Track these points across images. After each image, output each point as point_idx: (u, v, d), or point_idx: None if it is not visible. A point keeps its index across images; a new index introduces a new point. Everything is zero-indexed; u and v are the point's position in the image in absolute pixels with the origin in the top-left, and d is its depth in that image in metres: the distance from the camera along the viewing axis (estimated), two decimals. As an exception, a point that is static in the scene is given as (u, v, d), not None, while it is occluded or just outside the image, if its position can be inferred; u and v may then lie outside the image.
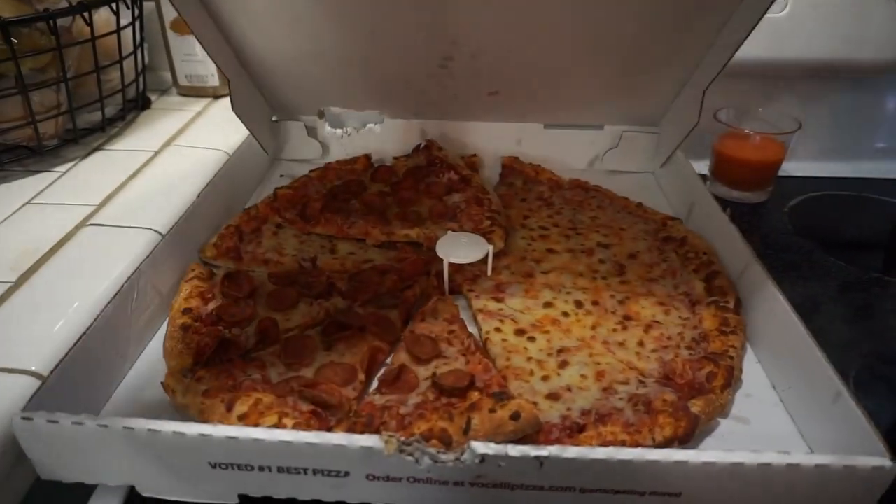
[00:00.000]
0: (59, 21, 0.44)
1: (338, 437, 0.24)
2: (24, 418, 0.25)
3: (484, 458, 0.24)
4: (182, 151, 0.51)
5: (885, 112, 0.59)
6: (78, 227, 0.40)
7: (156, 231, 0.39)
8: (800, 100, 0.57)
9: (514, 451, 0.24)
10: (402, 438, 0.24)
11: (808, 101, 0.57)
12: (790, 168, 0.58)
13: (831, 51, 0.52)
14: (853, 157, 0.59)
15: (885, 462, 0.24)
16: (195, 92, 0.63)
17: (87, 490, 0.27)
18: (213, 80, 0.62)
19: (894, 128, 0.59)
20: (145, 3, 0.57)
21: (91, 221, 0.40)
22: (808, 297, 0.42)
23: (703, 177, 0.55)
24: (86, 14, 0.46)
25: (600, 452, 0.24)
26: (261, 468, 0.25)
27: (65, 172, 0.47)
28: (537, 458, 0.24)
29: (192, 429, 0.25)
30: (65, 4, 0.45)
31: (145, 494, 0.27)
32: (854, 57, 0.52)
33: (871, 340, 0.38)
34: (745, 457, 0.24)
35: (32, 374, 0.28)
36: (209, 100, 0.62)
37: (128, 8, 0.52)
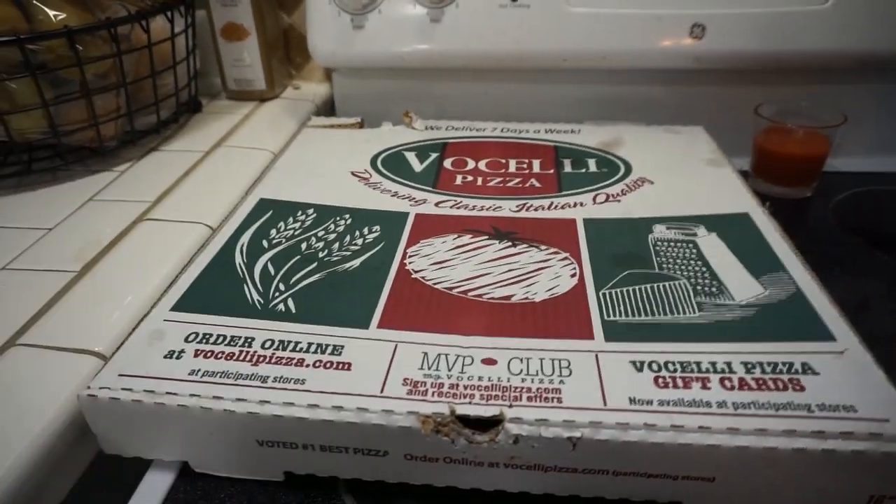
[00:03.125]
0: (119, 29, 0.47)
1: (377, 417, 0.25)
2: (89, 395, 0.27)
3: (517, 438, 0.25)
4: (231, 151, 0.54)
5: (938, 105, 0.57)
6: (136, 222, 0.42)
7: (206, 225, 0.41)
8: (845, 93, 0.56)
9: (548, 432, 0.25)
10: (439, 419, 0.25)
11: (854, 95, 0.56)
12: (836, 164, 0.57)
13: (877, 42, 0.51)
14: (904, 152, 0.57)
15: (926, 450, 0.23)
16: (243, 96, 0.65)
17: (144, 465, 0.29)
18: (261, 83, 0.65)
19: (948, 121, 0.57)
20: (197, 12, 0.59)
21: (148, 216, 0.43)
22: (855, 291, 0.41)
23: (745, 173, 0.54)
24: (143, 22, 0.49)
25: (633, 435, 0.24)
26: (304, 446, 0.27)
27: (123, 171, 0.50)
28: (570, 439, 0.24)
29: (242, 407, 0.26)
30: (124, 13, 0.48)
31: (198, 471, 0.29)
32: (902, 48, 0.51)
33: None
34: (779, 441, 0.24)
35: (96, 354, 0.31)
36: (256, 103, 0.65)
37: (181, 16, 0.55)
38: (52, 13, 0.44)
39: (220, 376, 0.28)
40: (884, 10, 0.50)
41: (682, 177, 0.45)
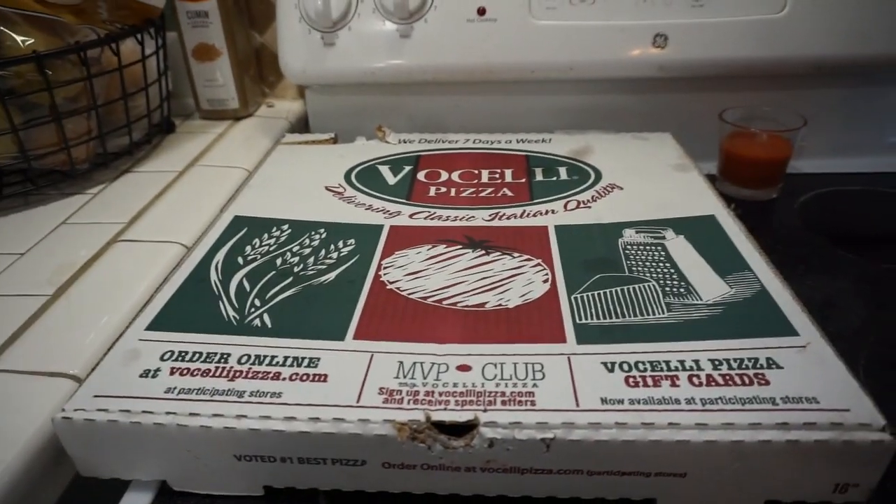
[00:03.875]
0: (89, 52, 0.47)
1: (353, 427, 0.26)
2: (63, 418, 0.27)
3: (492, 442, 0.25)
4: (205, 171, 0.54)
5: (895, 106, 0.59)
6: (109, 244, 0.42)
7: (181, 244, 0.41)
8: (806, 97, 0.58)
9: (522, 434, 0.25)
10: (414, 426, 0.25)
11: (814, 98, 0.58)
12: (801, 165, 0.59)
13: (831, 47, 0.52)
14: (864, 153, 0.59)
15: (885, 436, 0.24)
16: (217, 115, 0.66)
17: (122, 486, 0.29)
18: (234, 102, 0.65)
19: (905, 121, 0.59)
20: (168, 33, 0.60)
21: (122, 238, 0.43)
22: (820, 289, 0.42)
23: (713, 177, 0.56)
24: (113, 45, 0.49)
25: (605, 434, 0.25)
26: (282, 459, 0.27)
27: (96, 194, 0.50)
28: (543, 440, 0.25)
29: (219, 422, 0.26)
30: (94, 36, 0.49)
31: (176, 489, 0.29)
32: (856, 53, 0.53)
33: (882, 329, 0.39)
34: (745, 434, 0.25)
35: (71, 377, 0.31)
36: (230, 122, 0.65)
37: (152, 38, 0.55)
38: (19, 38, 0.44)
39: (197, 393, 0.28)
40: (836, 17, 0.52)
41: (650, 182, 0.47)
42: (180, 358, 0.30)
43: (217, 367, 0.29)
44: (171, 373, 0.29)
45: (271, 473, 0.28)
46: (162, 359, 0.30)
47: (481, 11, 0.54)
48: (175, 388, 0.28)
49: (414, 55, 0.55)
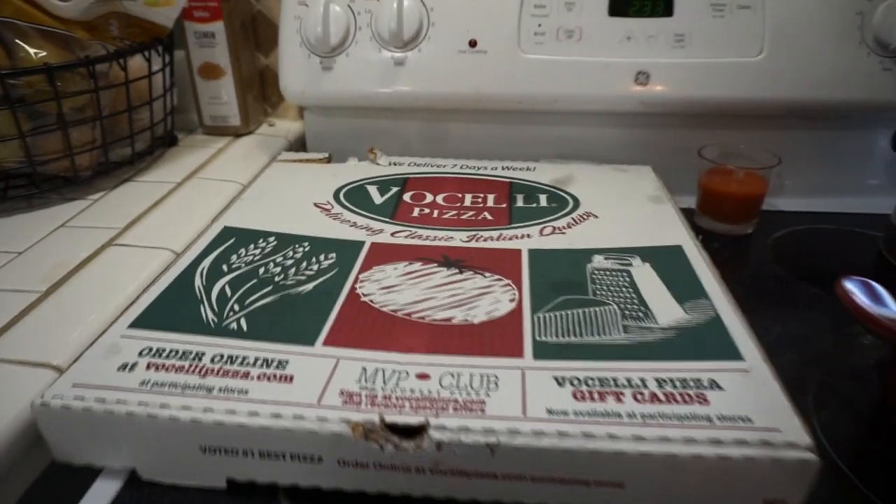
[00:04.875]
0: (98, 66, 0.50)
1: (311, 424, 0.27)
2: (42, 404, 0.29)
3: (440, 445, 0.27)
4: (203, 183, 0.56)
5: (871, 150, 0.61)
6: (104, 247, 0.44)
7: (171, 250, 0.43)
8: (782, 137, 0.60)
9: (468, 438, 0.27)
10: (368, 426, 0.27)
11: (790, 138, 0.60)
12: (778, 203, 0.60)
13: (807, 91, 0.55)
14: (840, 193, 0.61)
15: (811, 456, 0.26)
16: (218, 131, 0.68)
17: (93, 475, 0.31)
18: (236, 120, 0.68)
19: (880, 165, 0.61)
20: (177, 52, 0.63)
21: (116, 242, 0.45)
22: (780, 319, 0.44)
23: (691, 211, 0.57)
24: (121, 61, 0.52)
25: (546, 442, 0.26)
26: (245, 453, 0.28)
27: (96, 200, 0.52)
28: (488, 445, 0.26)
29: (186, 414, 0.28)
30: (103, 52, 0.51)
31: (144, 478, 0.30)
32: (830, 97, 0.55)
33: (836, 362, 0.40)
34: (679, 448, 0.26)
35: (54, 367, 0.32)
36: (231, 138, 0.68)
37: (159, 55, 0.58)
38: (32, 51, 0.47)
39: (169, 387, 0.29)
40: (811, 62, 0.54)
41: (624, 211, 0.48)
42: (157, 354, 0.32)
43: (191, 365, 0.31)
44: (148, 367, 0.31)
45: (234, 466, 0.29)
46: (140, 354, 0.32)
47: (472, 43, 0.56)
48: (149, 381, 0.30)
49: (407, 82, 0.58)
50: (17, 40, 0.47)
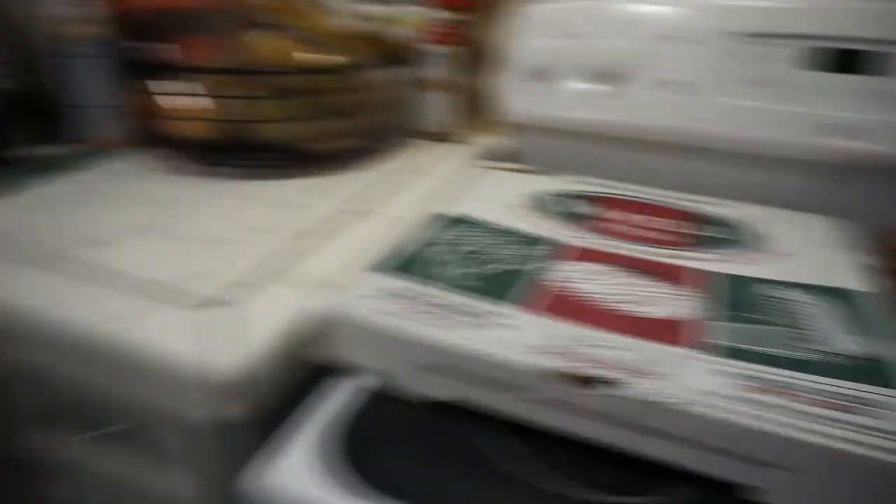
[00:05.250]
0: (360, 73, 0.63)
1: (525, 359, 0.35)
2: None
3: (624, 399, 0.33)
4: (423, 177, 0.68)
5: None
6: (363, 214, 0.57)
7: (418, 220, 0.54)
8: None
9: (653, 396, 0.32)
10: (573, 370, 0.34)
11: None
12: None
13: None
14: None
15: None
16: (441, 138, 0.81)
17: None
18: (455, 130, 0.80)
19: None
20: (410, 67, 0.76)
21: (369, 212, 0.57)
22: None
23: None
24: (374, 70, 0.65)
25: (719, 413, 0.31)
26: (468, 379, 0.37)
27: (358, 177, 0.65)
28: (658, 404, 0.32)
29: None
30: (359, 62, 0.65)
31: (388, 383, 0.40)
32: None
33: None
34: (850, 447, 0.30)
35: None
36: (450, 145, 0.79)
37: (404, 69, 0.71)
38: (315, 55, 0.61)
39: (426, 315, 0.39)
40: None
41: (819, 257, 0.51)
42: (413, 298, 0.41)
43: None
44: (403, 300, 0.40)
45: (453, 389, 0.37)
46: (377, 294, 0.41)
47: (688, 84, 0.62)
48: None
49: (620, 114, 0.65)
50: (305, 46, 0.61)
